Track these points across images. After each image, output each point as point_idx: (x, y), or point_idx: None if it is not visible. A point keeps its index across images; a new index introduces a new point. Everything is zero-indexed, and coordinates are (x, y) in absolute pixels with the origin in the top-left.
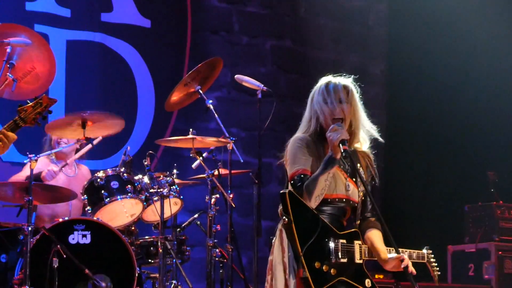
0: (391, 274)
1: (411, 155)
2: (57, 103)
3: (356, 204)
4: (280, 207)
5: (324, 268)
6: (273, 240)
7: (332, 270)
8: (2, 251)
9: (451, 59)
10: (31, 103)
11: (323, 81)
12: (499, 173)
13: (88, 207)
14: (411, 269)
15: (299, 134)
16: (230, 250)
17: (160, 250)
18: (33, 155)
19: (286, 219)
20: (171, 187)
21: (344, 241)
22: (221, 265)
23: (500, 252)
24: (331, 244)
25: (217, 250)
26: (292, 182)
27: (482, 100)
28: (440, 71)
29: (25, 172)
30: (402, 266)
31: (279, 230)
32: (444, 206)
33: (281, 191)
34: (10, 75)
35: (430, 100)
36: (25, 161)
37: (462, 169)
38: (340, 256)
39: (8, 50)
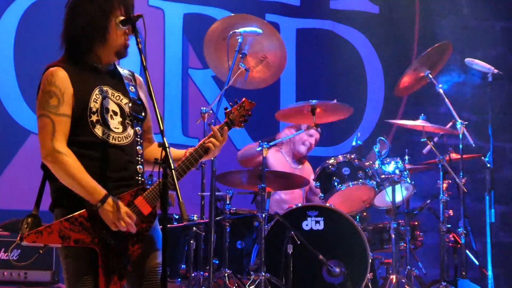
0: None
1: None
2: (288, 90)
3: None
4: None
5: None
6: None
7: None
8: (238, 238)
9: None
10: (236, 106)
11: None
12: None
13: (321, 194)
14: None
15: None
16: (464, 235)
17: (393, 236)
18: (265, 143)
19: None
20: (403, 173)
21: None
22: (454, 250)
23: None
24: None
25: (450, 235)
26: None
27: None
28: None
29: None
30: None
31: None
32: None
33: None
34: (243, 65)
35: None
36: (257, 149)
37: None
38: None
39: (240, 40)
